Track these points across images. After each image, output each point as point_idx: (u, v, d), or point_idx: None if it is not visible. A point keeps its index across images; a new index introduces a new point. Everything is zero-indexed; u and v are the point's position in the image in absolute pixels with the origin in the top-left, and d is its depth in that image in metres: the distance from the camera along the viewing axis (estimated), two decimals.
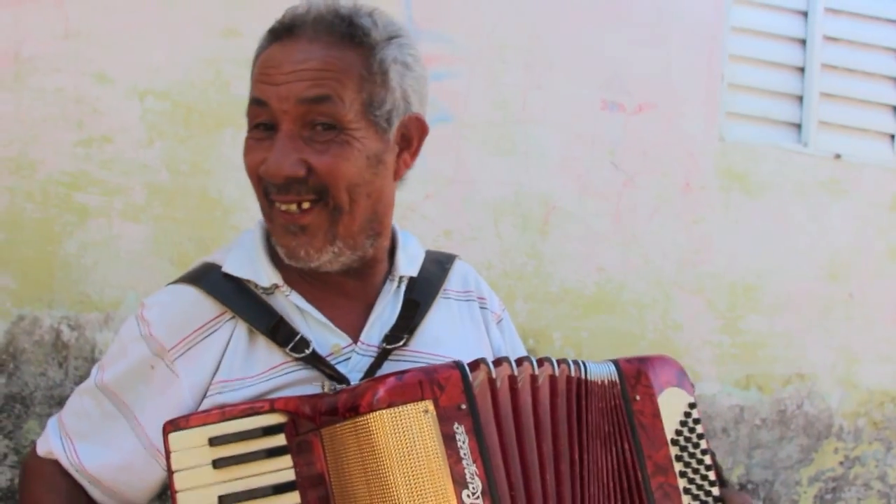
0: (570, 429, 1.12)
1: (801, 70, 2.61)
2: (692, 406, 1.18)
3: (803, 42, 2.62)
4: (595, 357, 2.37)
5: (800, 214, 2.57)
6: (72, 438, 1.21)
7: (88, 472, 1.19)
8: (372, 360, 1.21)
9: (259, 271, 1.21)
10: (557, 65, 2.43)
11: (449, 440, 1.02)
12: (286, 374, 1.17)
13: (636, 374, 1.18)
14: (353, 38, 1.15)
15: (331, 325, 1.21)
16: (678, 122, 2.47)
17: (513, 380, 1.10)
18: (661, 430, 1.16)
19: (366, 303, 1.26)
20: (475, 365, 1.08)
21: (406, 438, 1.01)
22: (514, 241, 2.43)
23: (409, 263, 1.32)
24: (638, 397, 1.16)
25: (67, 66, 2.18)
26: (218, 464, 1.07)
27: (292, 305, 1.21)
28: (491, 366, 1.09)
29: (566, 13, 2.41)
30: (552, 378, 1.14)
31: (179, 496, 1.06)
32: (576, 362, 1.18)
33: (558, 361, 1.16)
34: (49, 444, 1.22)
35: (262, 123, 1.15)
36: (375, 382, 1.05)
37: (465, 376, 1.06)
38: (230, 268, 1.21)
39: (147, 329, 1.18)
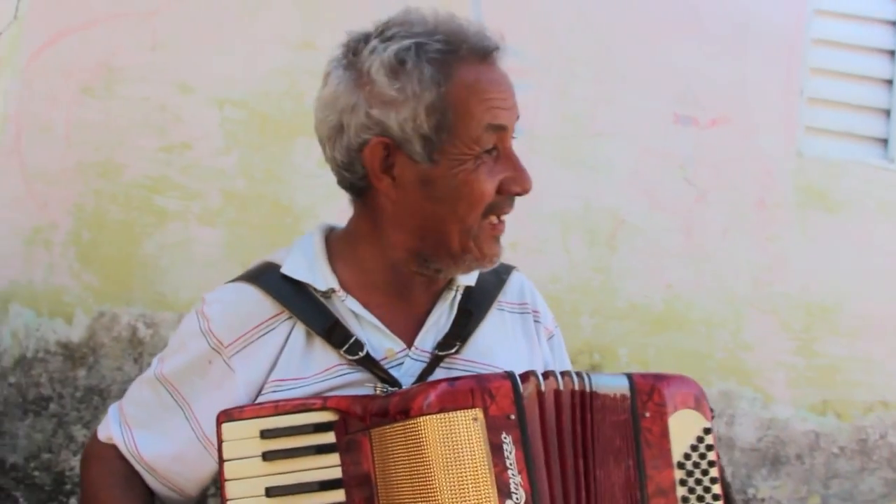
0: (594, 444, 1.11)
1: (890, 83, 2.51)
2: (707, 431, 1.13)
3: (892, 53, 2.51)
4: None
5: (884, 233, 2.45)
6: (130, 426, 1.25)
7: (145, 460, 1.23)
8: (424, 365, 1.22)
9: (316, 275, 1.24)
10: (628, 78, 2.41)
11: (496, 449, 1.02)
12: (340, 375, 1.18)
13: (649, 391, 1.13)
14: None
15: (385, 329, 1.23)
16: (753, 137, 2.41)
17: (558, 394, 1.10)
18: (667, 451, 1.11)
19: (421, 309, 1.28)
20: (525, 376, 1.09)
21: (454, 444, 1.02)
22: (582, 255, 2.40)
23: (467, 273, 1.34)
24: (648, 414, 1.12)
25: (153, 76, 2.29)
26: (267, 456, 1.10)
27: (348, 310, 1.23)
28: (540, 378, 1.10)
29: (638, 25, 2.39)
30: (582, 393, 1.12)
31: (228, 485, 1.09)
32: (584, 374, 1.15)
33: (576, 374, 1.14)
34: (109, 430, 1.27)
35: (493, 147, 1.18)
36: (427, 387, 1.06)
37: (515, 387, 1.06)
38: (288, 270, 1.24)
39: (206, 324, 1.22)
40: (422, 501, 1.02)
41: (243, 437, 1.11)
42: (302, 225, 2.38)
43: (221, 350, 1.20)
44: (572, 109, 2.40)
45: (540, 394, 1.08)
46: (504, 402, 1.04)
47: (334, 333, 1.19)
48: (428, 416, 1.03)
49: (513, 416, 1.04)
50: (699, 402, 1.15)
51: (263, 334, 1.20)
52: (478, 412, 1.03)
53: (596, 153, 2.40)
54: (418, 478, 1.03)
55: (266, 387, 1.18)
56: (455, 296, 1.30)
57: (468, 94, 1.15)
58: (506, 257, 2.34)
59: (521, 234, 2.40)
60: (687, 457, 1.12)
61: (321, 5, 2.35)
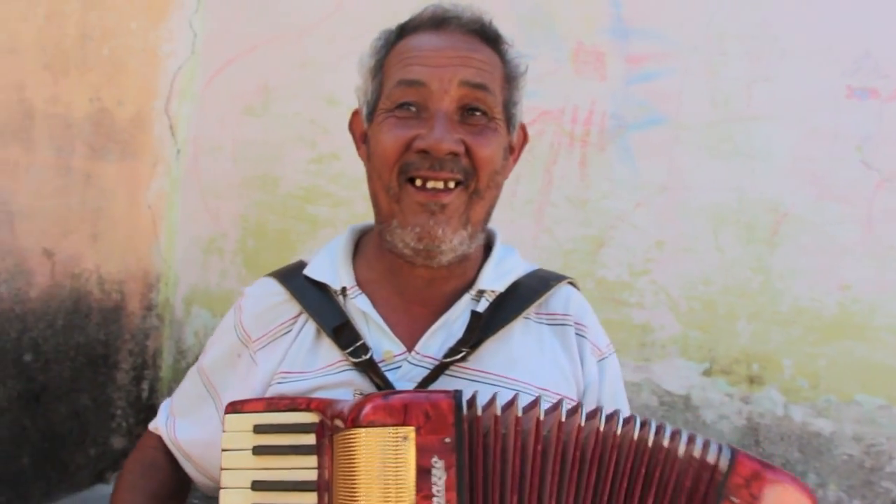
0: (612, 493, 0.98)
1: None
2: None
3: None
4: (834, 390, 2.03)
5: None
6: (175, 415, 1.35)
7: (181, 446, 1.32)
8: (427, 371, 1.18)
9: (334, 275, 1.25)
10: (789, 50, 2.11)
11: (423, 473, 0.95)
12: (340, 372, 1.18)
13: (751, 476, 0.96)
14: (497, 44, 1.22)
15: (388, 331, 1.20)
16: None
17: (519, 421, 0.99)
18: None
19: (432, 311, 1.23)
20: (479, 399, 1.01)
21: (380, 462, 0.97)
22: (737, 253, 2.15)
23: (496, 278, 1.26)
24: (736, 500, 0.96)
25: (304, 92, 2.45)
26: (257, 450, 1.10)
27: (357, 308, 1.23)
28: (496, 404, 1.00)
29: None
30: (597, 432, 1.00)
31: (223, 474, 1.11)
32: (679, 431, 1.01)
33: (642, 423, 1.01)
34: (157, 420, 1.38)
35: (409, 104, 1.16)
36: (371, 398, 1.02)
37: (457, 408, 0.98)
38: (310, 271, 1.27)
39: (239, 317, 1.27)
40: None
41: (240, 430, 1.12)
42: None
43: (249, 344, 1.25)
44: (723, 91, 2.16)
45: (497, 419, 0.99)
46: (441, 423, 0.96)
47: (342, 335, 1.18)
48: (358, 430, 0.98)
49: (448, 440, 0.96)
50: None
51: (284, 332, 1.23)
52: (409, 431, 0.96)
53: (752, 139, 2.14)
54: (350, 490, 0.99)
55: (274, 377, 1.21)
56: (479, 300, 1.24)
57: (395, 56, 1.18)
58: (651, 258, 2.19)
59: (667, 232, 2.21)
60: None
61: None
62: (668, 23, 2.21)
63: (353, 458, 0.99)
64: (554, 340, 1.25)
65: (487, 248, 1.30)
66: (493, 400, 1.01)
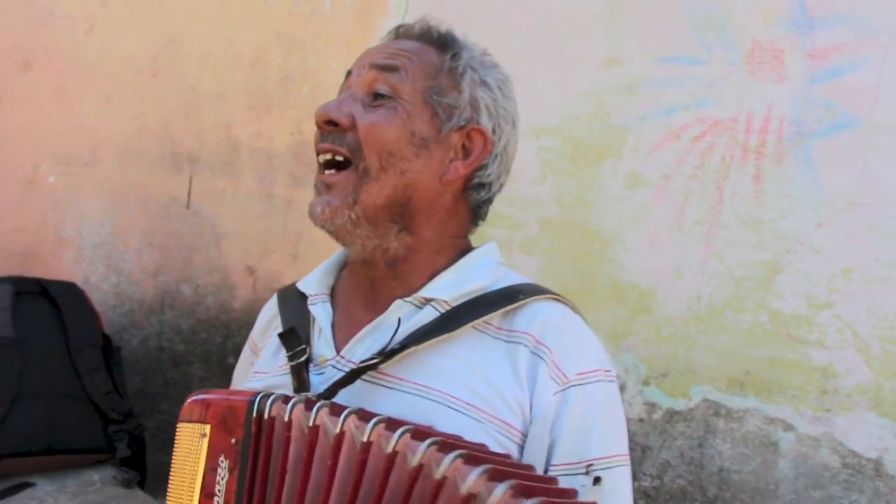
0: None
1: None
2: None
3: None
4: None
5: None
6: None
7: None
8: (342, 375, 1.17)
9: (311, 285, 1.31)
10: None
11: (210, 472, 0.98)
12: (283, 374, 1.23)
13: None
14: (439, 41, 1.23)
15: (329, 336, 1.22)
16: None
17: (314, 431, 0.95)
18: None
19: (370, 318, 1.23)
20: (269, 401, 0.98)
21: (183, 456, 1.02)
22: None
23: (446, 287, 1.20)
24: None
25: None
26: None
27: (313, 315, 1.27)
28: (288, 409, 0.97)
29: None
30: (364, 444, 0.92)
31: None
32: (407, 427, 0.93)
33: (403, 429, 0.93)
34: None
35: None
36: (193, 394, 1.07)
37: (249, 409, 0.98)
38: (300, 283, 1.35)
39: (252, 331, 1.42)
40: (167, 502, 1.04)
41: None
42: (609, 251, 2.25)
43: (257, 352, 1.37)
44: None
45: (287, 424, 0.96)
46: (232, 423, 0.98)
47: (288, 339, 1.23)
48: (181, 424, 1.05)
49: (235, 441, 0.97)
50: None
51: (271, 336, 1.33)
52: (206, 428, 1.00)
53: None
54: (170, 479, 1.05)
55: (250, 375, 1.31)
56: (422, 307, 1.18)
57: None
58: (835, 288, 1.86)
59: (856, 258, 1.82)
60: None
61: (625, 18, 2.21)
62: (863, 6, 1.83)
63: (175, 449, 1.05)
64: (502, 357, 1.14)
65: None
66: (297, 404, 0.98)
